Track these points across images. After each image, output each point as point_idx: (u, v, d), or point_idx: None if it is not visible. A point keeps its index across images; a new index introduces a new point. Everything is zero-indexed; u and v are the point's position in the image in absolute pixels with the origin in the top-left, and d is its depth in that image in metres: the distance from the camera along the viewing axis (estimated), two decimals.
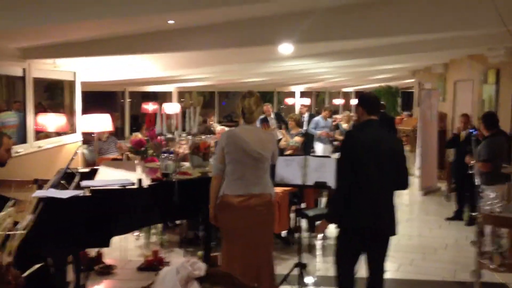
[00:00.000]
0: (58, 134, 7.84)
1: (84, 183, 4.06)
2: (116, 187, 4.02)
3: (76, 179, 4.28)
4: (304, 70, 11.42)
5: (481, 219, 4.64)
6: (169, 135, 7.38)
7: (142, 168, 4.78)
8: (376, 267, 3.79)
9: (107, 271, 5.28)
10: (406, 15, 5.65)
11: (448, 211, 8.15)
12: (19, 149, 6.50)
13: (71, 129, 8.08)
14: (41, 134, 7.58)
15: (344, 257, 3.80)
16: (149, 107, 12.95)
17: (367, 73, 15.07)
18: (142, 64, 8.19)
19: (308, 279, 5.04)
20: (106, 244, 3.84)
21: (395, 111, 20.49)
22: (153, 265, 5.31)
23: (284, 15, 5.98)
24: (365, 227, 3.65)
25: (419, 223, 7.94)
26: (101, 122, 8.29)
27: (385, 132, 3.90)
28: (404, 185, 3.81)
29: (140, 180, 4.07)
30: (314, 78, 15.61)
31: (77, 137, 8.10)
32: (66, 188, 3.99)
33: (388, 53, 8.80)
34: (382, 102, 3.94)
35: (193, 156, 4.93)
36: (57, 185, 4.01)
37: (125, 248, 5.88)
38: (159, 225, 6.42)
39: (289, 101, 20.64)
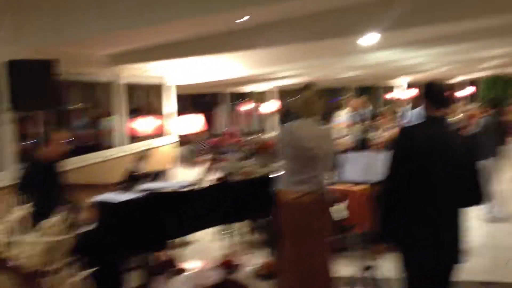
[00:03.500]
0: (158, 136, 8.13)
1: (144, 185, 4.08)
2: (171, 189, 3.99)
3: (145, 181, 4.33)
4: (401, 60, 10.83)
5: None
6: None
7: (207, 168, 4.73)
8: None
9: (177, 275, 5.25)
10: None
11: None
12: (111, 153, 6.81)
13: (165, 131, 8.33)
14: (139, 138, 7.91)
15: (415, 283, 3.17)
16: (246, 107, 13.08)
17: (475, 60, 13.95)
18: (228, 63, 8.23)
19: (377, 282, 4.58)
20: (162, 247, 3.81)
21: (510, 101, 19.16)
22: (229, 266, 5.23)
23: (369, 2, 5.65)
24: (427, 258, 3.01)
25: None
26: (195, 124, 8.46)
27: (455, 133, 3.22)
28: (476, 200, 3.12)
29: (196, 182, 4.01)
30: (416, 69, 14.77)
31: (171, 139, 8.32)
32: (129, 191, 4.03)
33: (495, 35, 8.01)
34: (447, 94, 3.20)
35: (259, 155, 4.81)
36: (122, 188, 4.07)
37: (207, 249, 5.87)
38: (247, 225, 6.37)
39: (394, 94, 19.78)
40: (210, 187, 4.25)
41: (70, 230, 2.78)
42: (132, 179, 4.32)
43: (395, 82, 19.05)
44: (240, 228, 6.41)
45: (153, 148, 7.72)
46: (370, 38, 6.66)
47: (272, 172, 4.60)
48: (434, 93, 3.16)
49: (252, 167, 4.83)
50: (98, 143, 7.99)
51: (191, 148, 8.80)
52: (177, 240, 6.11)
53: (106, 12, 4.88)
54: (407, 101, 12.39)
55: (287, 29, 6.22)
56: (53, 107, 4.94)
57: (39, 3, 5.00)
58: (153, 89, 8.86)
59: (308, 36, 6.34)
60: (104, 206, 3.68)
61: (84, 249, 3.24)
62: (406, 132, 3.18)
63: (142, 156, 4.58)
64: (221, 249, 6.03)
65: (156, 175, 4.64)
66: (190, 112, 8.71)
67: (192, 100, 14.59)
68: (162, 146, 8.04)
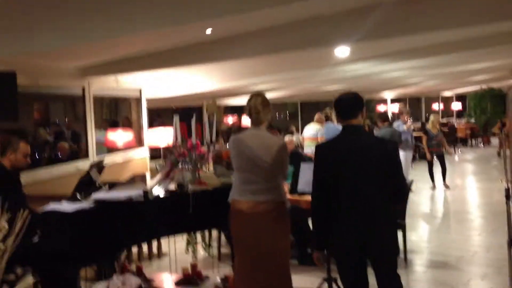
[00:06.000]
0: (132, 148, 8.02)
1: (96, 195, 3.99)
2: (121, 199, 3.90)
3: (99, 191, 4.24)
4: (380, 74, 10.81)
5: None
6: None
7: (163, 178, 4.63)
8: (385, 284, 3.29)
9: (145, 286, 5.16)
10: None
11: None
12: (82, 165, 6.68)
13: (139, 143, 8.24)
14: (113, 150, 7.81)
15: (348, 280, 3.33)
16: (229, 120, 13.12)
17: (461, 74, 13.94)
18: (201, 76, 8.18)
19: None
20: (113, 258, 3.74)
21: (501, 115, 19.11)
22: (191, 279, 5.12)
23: (341, 12, 5.60)
24: (356, 251, 3.19)
25: (503, 234, 7.05)
26: (166, 136, 8.36)
27: (372, 136, 3.37)
28: (398, 195, 3.32)
29: (146, 193, 3.93)
30: (401, 82, 14.77)
31: (144, 151, 8.24)
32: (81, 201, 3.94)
33: (479, 47, 7.95)
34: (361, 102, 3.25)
35: (216, 165, 4.75)
36: (74, 198, 3.99)
37: (177, 260, 5.75)
38: (215, 236, 6.28)
39: (382, 108, 19.88)
40: (161, 197, 4.19)
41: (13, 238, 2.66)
42: (86, 189, 4.23)
43: (383, 95, 19.11)
44: (210, 240, 6.33)
45: (126, 160, 7.66)
46: (344, 49, 6.62)
47: (228, 182, 4.54)
48: (339, 107, 3.37)
49: (209, 178, 4.74)
50: (72, 155, 7.89)
51: (162, 160, 8.66)
52: (147, 252, 6.03)
53: (73, 24, 4.80)
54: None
55: (259, 40, 6.18)
56: (10, 119, 4.84)
57: (3, 13, 4.94)
58: (129, 101, 8.80)
59: (280, 47, 6.30)
60: (53, 215, 3.61)
61: (31, 259, 3.17)
62: (319, 147, 3.42)
63: (98, 166, 4.49)
64: (189, 261, 5.94)
65: (112, 185, 4.55)
66: (160, 125, 8.60)
67: (162, 113, 14.59)
68: (136, 158, 7.95)
